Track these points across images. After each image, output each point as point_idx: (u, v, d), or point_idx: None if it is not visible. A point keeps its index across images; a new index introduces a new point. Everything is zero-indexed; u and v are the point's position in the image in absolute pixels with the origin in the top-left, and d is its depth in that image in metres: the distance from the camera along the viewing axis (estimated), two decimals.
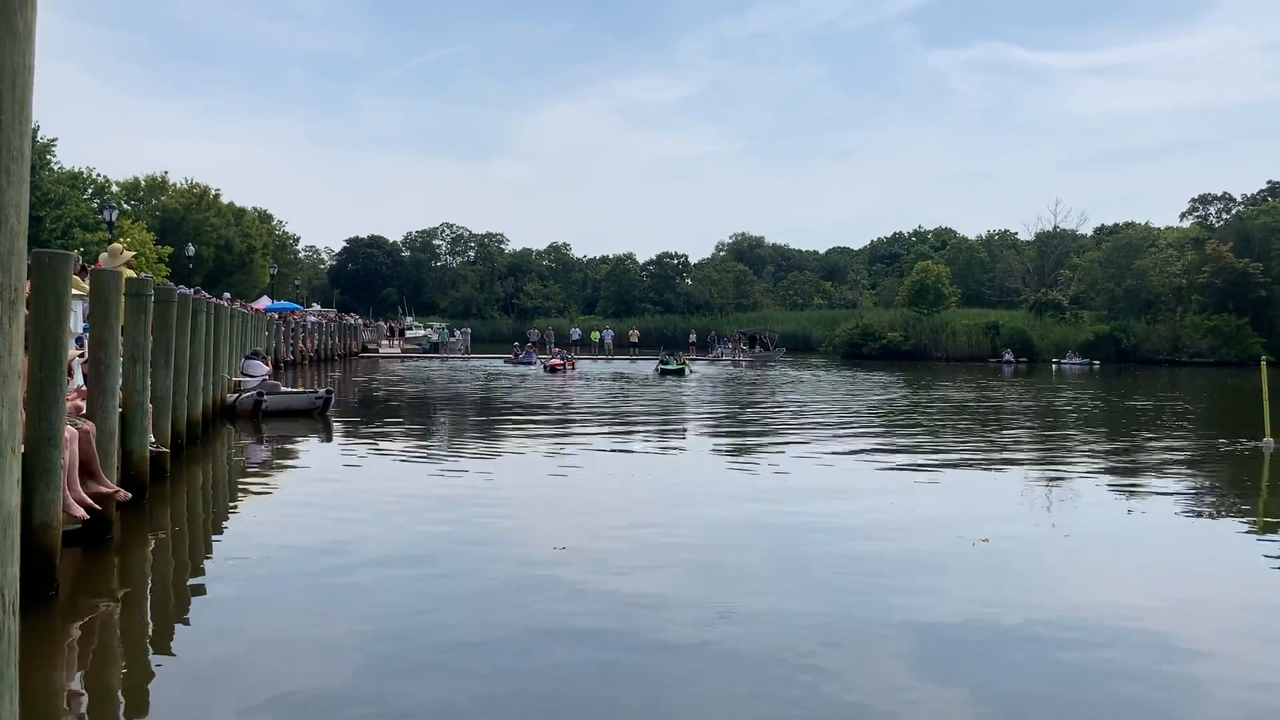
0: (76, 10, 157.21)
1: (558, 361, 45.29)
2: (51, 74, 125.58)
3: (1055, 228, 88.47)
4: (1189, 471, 15.26)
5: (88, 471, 8.88)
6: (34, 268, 7.30)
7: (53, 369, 7.25)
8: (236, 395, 21.15)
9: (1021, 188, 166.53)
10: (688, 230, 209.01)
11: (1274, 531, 10.89)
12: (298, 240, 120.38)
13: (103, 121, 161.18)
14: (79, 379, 10.63)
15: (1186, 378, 49.02)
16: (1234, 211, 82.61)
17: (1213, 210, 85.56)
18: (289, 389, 23.82)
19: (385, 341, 68.65)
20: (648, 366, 48.03)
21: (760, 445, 17.82)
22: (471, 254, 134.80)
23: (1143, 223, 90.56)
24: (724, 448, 17.77)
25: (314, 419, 20.91)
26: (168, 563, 8.94)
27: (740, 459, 16.10)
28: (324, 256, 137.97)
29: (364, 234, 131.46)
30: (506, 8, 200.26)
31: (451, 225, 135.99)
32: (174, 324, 13.41)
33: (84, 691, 5.78)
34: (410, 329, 74.95)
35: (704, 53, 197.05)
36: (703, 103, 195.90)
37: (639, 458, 16.03)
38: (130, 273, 13.63)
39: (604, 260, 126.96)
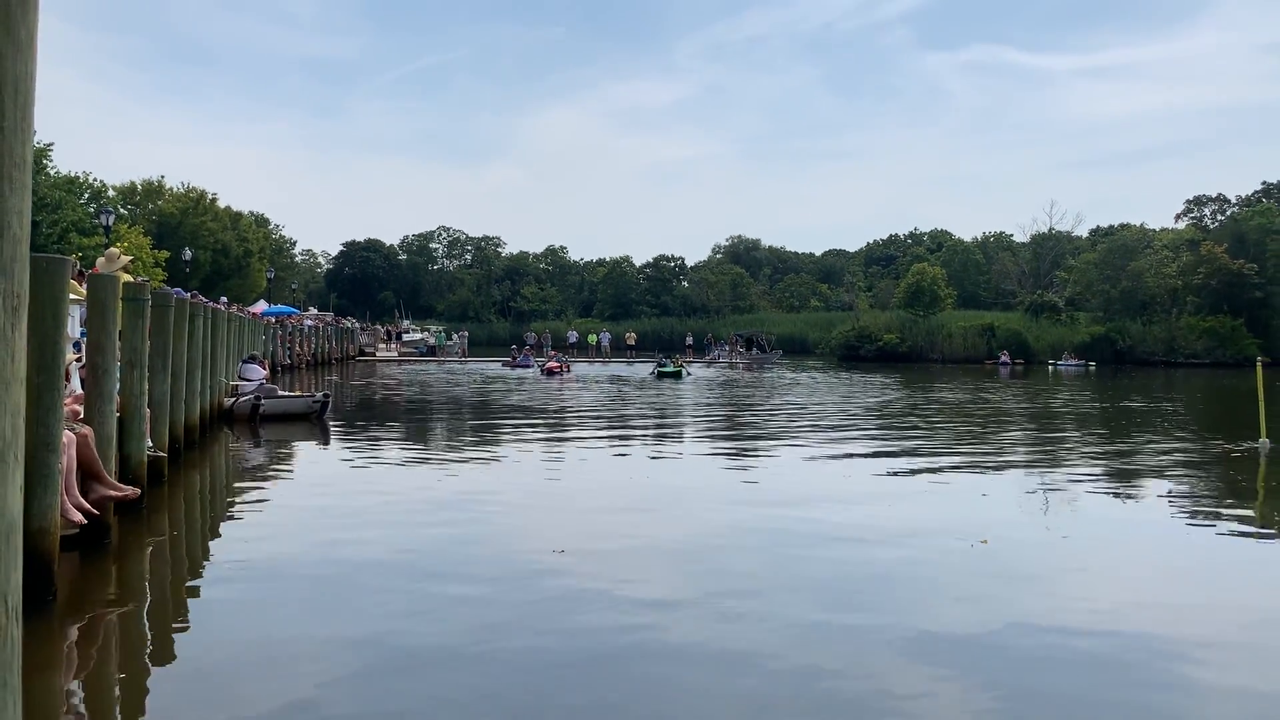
0: (72, 15, 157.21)
1: (555, 365, 45.28)
2: (48, 78, 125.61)
3: (1051, 229, 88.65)
4: (1186, 473, 15.29)
5: (93, 475, 8.88)
6: (30, 272, 7.29)
7: (50, 374, 7.25)
8: (234, 399, 21.13)
9: (1017, 190, 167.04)
10: (684, 233, 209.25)
11: (1271, 532, 10.91)
12: (294, 244, 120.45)
13: (99, 126, 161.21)
14: (76, 384, 10.62)
15: (1182, 379, 49.10)
16: (1229, 213, 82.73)
17: (1207, 212, 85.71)
18: (286, 393, 23.81)
19: (382, 345, 68.60)
20: (645, 369, 48.03)
21: (757, 448, 17.83)
22: (468, 257, 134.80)
23: (1138, 224, 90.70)
24: (721, 450, 17.77)
25: (311, 423, 20.88)
26: (166, 567, 8.93)
27: (738, 461, 16.10)
28: (321, 260, 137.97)
29: (361, 237, 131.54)
30: (502, 12, 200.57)
31: (448, 229, 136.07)
32: (171, 328, 13.40)
33: (83, 697, 5.77)
34: (407, 332, 74.88)
35: (699, 56, 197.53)
36: (699, 106, 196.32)
37: (637, 460, 16.03)
38: (127, 277, 13.63)
39: (601, 263, 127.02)
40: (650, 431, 20.56)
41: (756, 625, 6.86)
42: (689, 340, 71.86)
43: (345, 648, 6.32)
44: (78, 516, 8.28)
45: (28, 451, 7.06)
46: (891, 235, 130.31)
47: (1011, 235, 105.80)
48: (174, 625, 7.01)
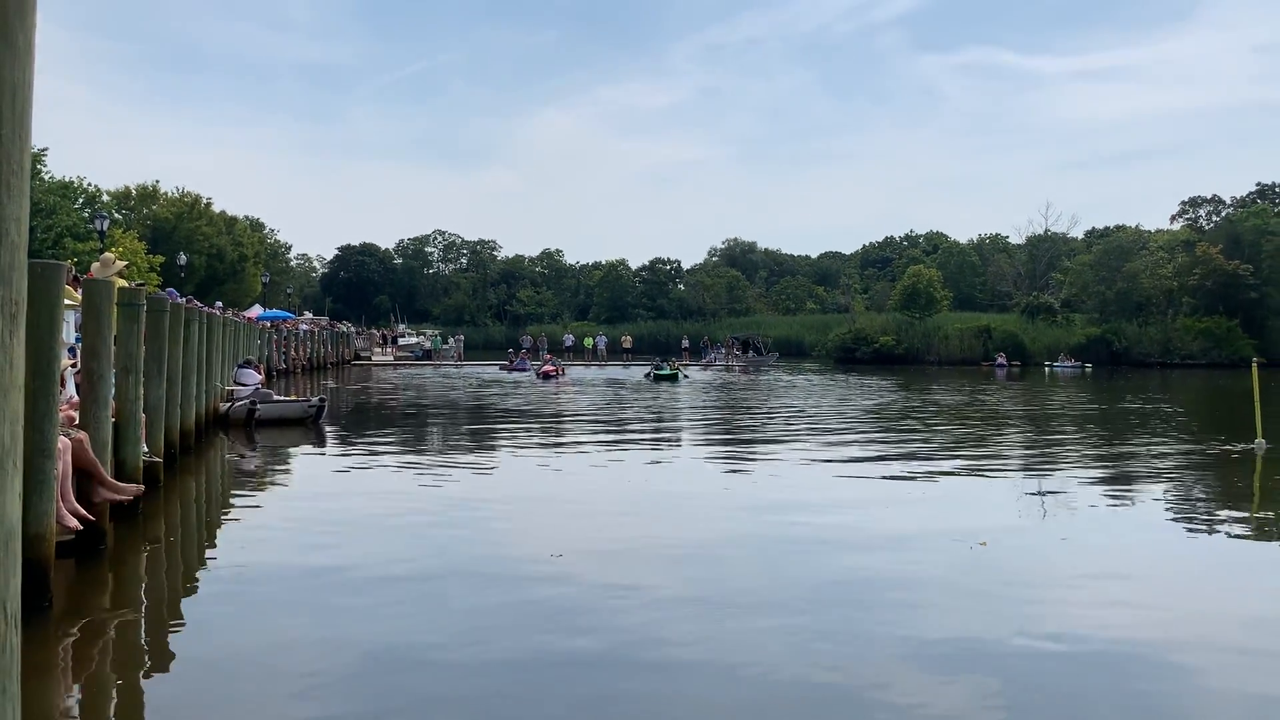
0: (67, 20, 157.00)
1: (551, 368, 45.26)
2: (42, 84, 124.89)
3: (1046, 231, 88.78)
4: (1183, 474, 15.31)
5: (94, 477, 8.86)
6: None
7: (45, 380, 7.23)
8: (229, 404, 21.09)
9: (1012, 191, 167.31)
10: (680, 236, 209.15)
11: (1268, 533, 10.92)
12: (289, 248, 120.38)
13: (93, 131, 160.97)
14: (71, 389, 10.59)
15: (1178, 380, 49.18)
16: (1224, 214, 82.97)
17: (1203, 213, 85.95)
18: (282, 398, 23.77)
19: (378, 349, 68.56)
20: (641, 372, 48.01)
21: (755, 451, 17.82)
22: (464, 261, 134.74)
23: (1133, 225, 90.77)
24: (719, 454, 17.77)
25: (307, 427, 20.86)
26: (162, 573, 8.91)
27: (735, 465, 16.10)
28: (316, 264, 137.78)
29: (356, 242, 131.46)
30: (496, 16, 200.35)
31: (443, 232, 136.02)
32: (166, 333, 13.38)
33: (80, 703, 5.75)
34: (403, 336, 74.84)
35: (694, 59, 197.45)
36: (694, 109, 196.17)
37: (634, 464, 16.01)
38: (122, 282, 13.61)
39: (597, 266, 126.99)
40: (647, 435, 20.55)
41: (754, 628, 6.85)
42: (685, 343, 71.83)
43: (341, 652, 6.30)
44: (73, 523, 8.26)
45: (24, 458, 7.04)
46: (887, 237, 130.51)
47: (1007, 237, 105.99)
48: (170, 631, 6.99)
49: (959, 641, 6.60)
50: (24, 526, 7.06)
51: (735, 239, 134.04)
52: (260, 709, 5.41)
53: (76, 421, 9.51)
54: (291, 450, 17.63)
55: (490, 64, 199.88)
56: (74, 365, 11.05)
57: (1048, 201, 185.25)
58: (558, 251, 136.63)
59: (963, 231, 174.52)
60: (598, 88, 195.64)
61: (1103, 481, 14.31)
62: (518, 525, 10.82)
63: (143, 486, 9.82)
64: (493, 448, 18.40)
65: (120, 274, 14.99)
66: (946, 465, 15.68)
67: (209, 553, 9.60)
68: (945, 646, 6.49)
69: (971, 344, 70.08)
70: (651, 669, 6.08)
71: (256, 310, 50.95)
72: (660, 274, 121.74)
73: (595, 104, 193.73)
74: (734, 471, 15.28)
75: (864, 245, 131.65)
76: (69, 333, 12.56)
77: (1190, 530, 10.95)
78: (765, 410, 27.02)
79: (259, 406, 20.94)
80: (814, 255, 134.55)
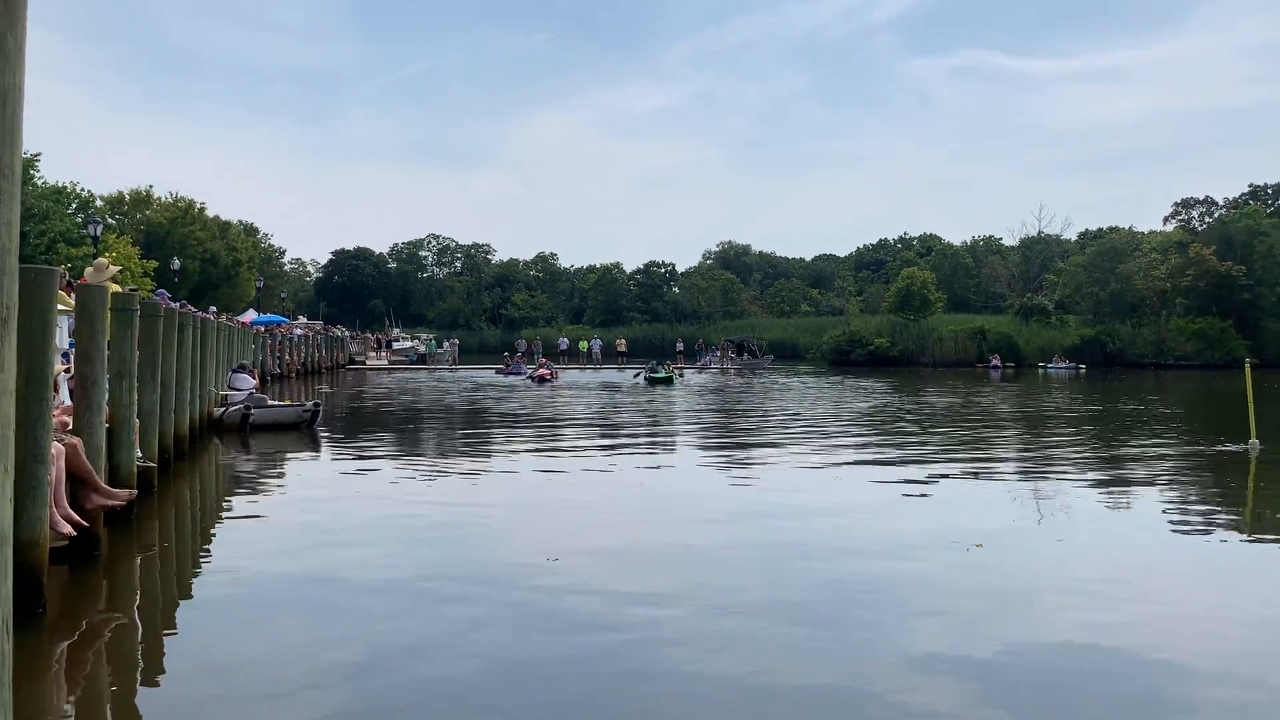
0: (60, 25, 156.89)
1: (545, 372, 45.26)
2: (35, 88, 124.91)
3: (1040, 233, 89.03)
4: (1177, 475, 15.34)
5: (87, 484, 8.83)
6: (18, 283, 7.26)
7: (38, 385, 7.21)
8: (224, 409, 21.05)
9: (1006, 194, 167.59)
10: (675, 239, 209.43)
11: (1262, 533, 10.94)
12: (283, 253, 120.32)
13: (87, 136, 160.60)
14: (65, 395, 10.57)
15: (1172, 380, 49.30)
16: (1216, 215, 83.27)
17: (1195, 214, 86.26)
18: (276, 402, 23.73)
19: (372, 353, 68.50)
20: (634, 375, 47.99)
21: (750, 453, 17.82)
22: (458, 265, 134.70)
23: (1126, 227, 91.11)
24: (714, 456, 17.77)
25: (301, 432, 20.82)
26: (155, 579, 8.88)
27: (730, 467, 16.09)
28: (310, 269, 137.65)
29: (350, 246, 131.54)
30: (490, 19, 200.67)
31: (438, 236, 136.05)
32: (160, 338, 13.35)
33: (72, 709, 5.73)
34: (397, 340, 74.78)
35: (688, 62, 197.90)
36: (688, 112, 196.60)
37: (630, 467, 15.99)
38: (116, 287, 13.58)
39: (591, 270, 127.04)
40: (643, 438, 20.54)
41: (751, 630, 6.85)
42: (680, 346, 71.89)
43: (336, 657, 6.29)
44: (67, 529, 8.23)
45: (16, 463, 7.02)
46: (881, 240, 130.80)
47: (1001, 239, 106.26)
48: (164, 636, 6.97)
49: (955, 643, 6.60)
50: (17, 532, 7.06)
51: (730, 242, 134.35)
52: (256, 714, 5.39)
53: (70, 427, 9.48)
54: (286, 455, 17.59)
55: (484, 67, 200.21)
56: (67, 371, 11.02)
57: (1041, 203, 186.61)
58: (552, 255, 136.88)
59: (956, 233, 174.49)
60: (592, 91, 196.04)
61: (1097, 483, 14.33)
62: (513, 529, 10.81)
63: (135, 492, 9.79)
64: (488, 452, 18.38)
65: (114, 279, 14.95)
66: (942, 467, 15.69)
67: (203, 558, 9.58)
68: (941, 648, 6.49)
69: (966, 346, 70.22)
70: (649, 671, 6.07)
71: (250, 315, 50.96)
72: (655, 277, 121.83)
73: (590, 107, 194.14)
74: (730, 474, 15.28)
75: (858, 248, 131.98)
76: (62, 338, 12.52)
77: (1185, 532, 10.97)
78: (760, 413, 27.02)
79: (253, 411, 20.91)
80: (808, 258, 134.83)
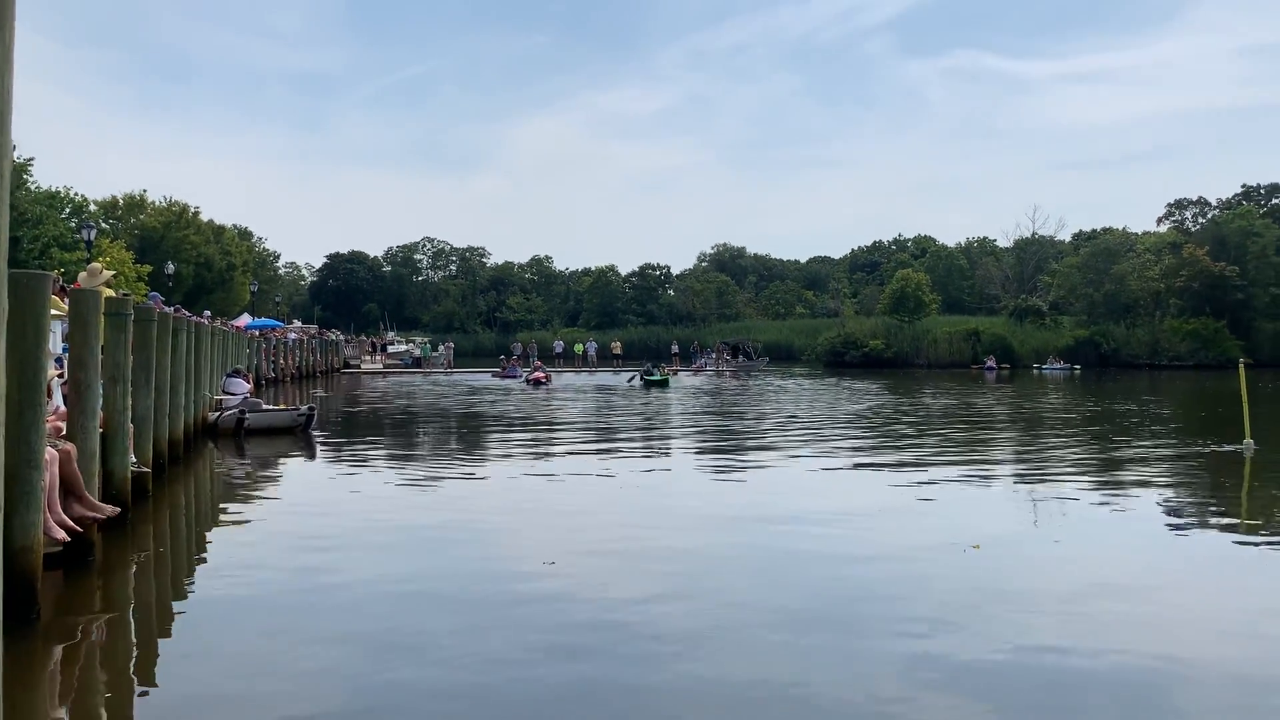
0: (53, 30, 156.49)
1: (541, 375, 45.23)
2: (28, 93, 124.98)
3: (1034, 234, 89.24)
4: (1173, 475, 15.36)
5: (73, 493, 8.79)
6: (11, 288, 7.24)
7: (32, 390, 7.19)
8: (218, 414, 21.02)
9: (1000, 195, 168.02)
10: (669, 241, 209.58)
11: (1258, 533, 10.96)
12: (278, 257, 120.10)
13: (80, 140, 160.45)
14: (58, 400, 10.54)
15: (1166, 381, 49.41)
16: (1209, 216, 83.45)
17: (1189, 215, 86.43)
18: (271, 407, 23.69)
19: (367, 357, 68.40)
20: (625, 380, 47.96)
21: (746, 456, 17.82)
22: (453, 268, 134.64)
23: (1120, 228, 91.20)
24: (710, 459, 17.76)
25: (296, 436, 20.79)
26: (150, 584, 8.85)
27: (726, 470, 16.09)
28: (304, 273, 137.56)
29: (344, 249, 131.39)
30: (484, 22, 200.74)
31: (432, 239, 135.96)
32: (154, 343, 13.32)
33: (67, 716, 5.70)
34: (392, 344, 74.67)
35: (682, 65, 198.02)
36: (681, 114, 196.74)
37: (625, 470, 15.98)
38: (109, 292, 13.55)
39: (586, 272, 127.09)
40: (638, 441, 20.53)
41: (747, 633, 6.84)
42: (675, 348, 71.92)
43: (332, 662, 6.27)
44: (61, 534, 8.20)
45: (10, 469, 7.00)
46: (876, 242, 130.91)
47: (995, 240, 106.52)
48: (159, 642, 6.94)
49: (952, 645, 6.59)
50: (11, 538, 7.05)
51: (724, 244, 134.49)
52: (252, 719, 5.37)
53: (64, 432, 9.45)
54: (281, 459, 17.56)
55: (479, 70, 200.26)
56: (61, 376, 10.99)
57: (1035, 205, 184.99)
58: (547, 258, 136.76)
59: (951, 235, 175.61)
60: (586, 93, 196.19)
61: (1094, 484, 14.34)
62: (510, 532, 10.79)
63: (118, 509, 9.69)
64: (483, 455, 18.36)
65: (107, 284, 14.92)
66: (938, 469, 15.70)
67: (198, 563, 9.55)
68: (939, 650, 6.48)
69: (960, 347, 70.32)
70: (645, 675, 6.06)
71: (245, 319, 50.88)
72: (650, 279, 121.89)
73: (584, 110, 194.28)
74: (726, 476, 15.26)
75: (853, 249, 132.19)
76: (55, 343, 12.49)
77: (1181, 533, 10.99)
78: (756, 415, 27.02)
79: (248, 416, 20.87)
80: (803, 260, 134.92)
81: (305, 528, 10.99)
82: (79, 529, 8.60)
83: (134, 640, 7.09)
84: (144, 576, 9.05)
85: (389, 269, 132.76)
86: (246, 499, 13.40)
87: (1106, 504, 12.75)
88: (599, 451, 18.43)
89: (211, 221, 78.68)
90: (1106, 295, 72.56)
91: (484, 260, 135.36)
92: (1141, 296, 72.07)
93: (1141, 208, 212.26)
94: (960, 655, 6.38)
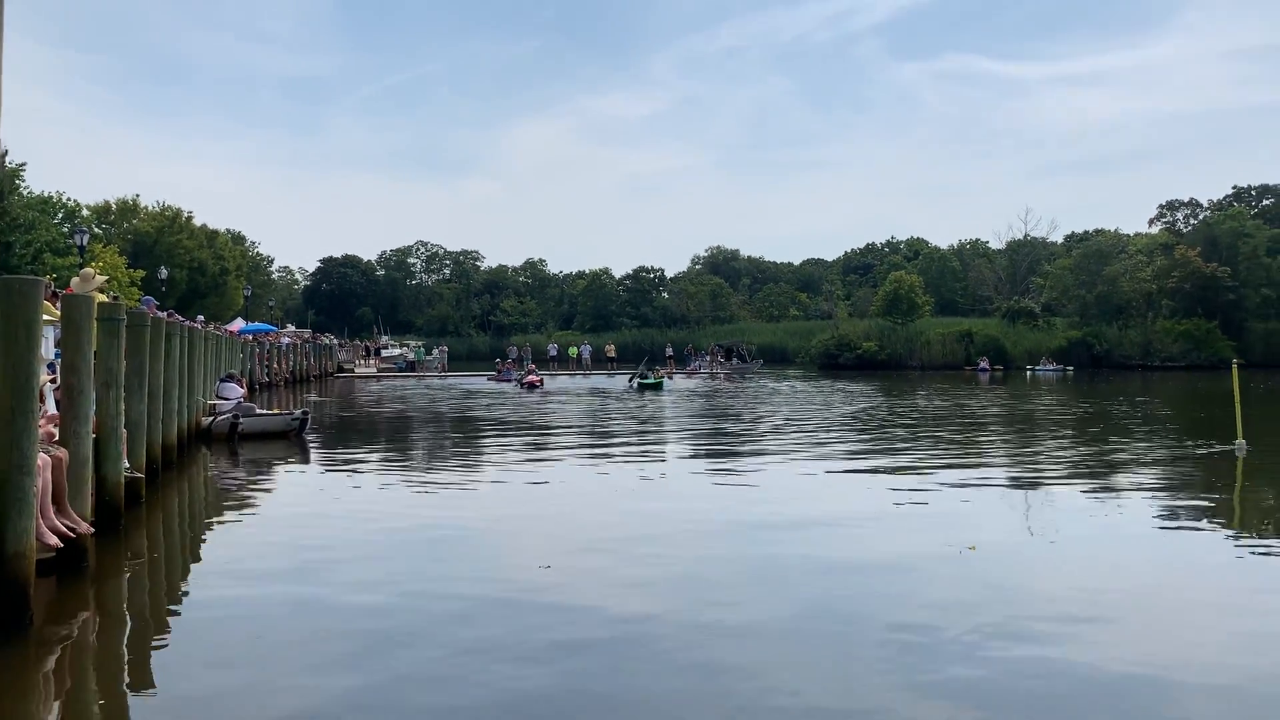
0: (46, 35, 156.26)
1: (535, 378, 45.20)
2: (20, 98, 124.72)
3: (1026, 236, 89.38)
4: (1167, 475, 15.39)
5: (55, 502, 8.74)
6: (3, 294, 7.22)
7: (24, 396, 7.16)
8: (212, 418, 20.97)
9: (992, 197, 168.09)
10: (663, 244, 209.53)
11: (1252, 533, 10.99)
12: (271, 261, 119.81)
13: (73, 145, 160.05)
14: (51, 405, 10.50)
15: (1159, 382, 49.54)
16: (1201, 217, 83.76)
17: (1180, 216, 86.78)
18: (264, 411, 23.65)
19: (361, 361, 68.31)
20: (624, 380, 47.94)
21: (741, 458, 17.82)
22: (447, 272, 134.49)
23: (1112, 229, 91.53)
24: (705, 462, 17.75)
25: (290, 441, 20.74)
26: (144, 590, 8.82)
27: (721, 472, 16.09)
28: (298, 277, 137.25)
29: (338, 254, 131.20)
30: (477, 27, 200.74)
31: (426, 243, 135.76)
32: (147, 348, 13.28)
33: None
34: (386, 348, 74.57)
35: (675, 69, 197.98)
36: (674, 118, 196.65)
37: (621, 474, 15.97)
38: (102, 297, 13.52)
39: (580, 276, 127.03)
40: (633, 444, 20.51)
41: (743, 637, 6.83)
42: (669, 351, 71.91)
43: (327, 668, 6.25)
44: (54, 540, 8.17)
45: (2, 475, 6.97)
46: (869, 244, 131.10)
47: (987, 242, 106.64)
48: (153, 649, 6.92)
49: (949, 647, 6.60)
50: (3, 544, 7.03)
51: (718, 247, 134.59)
52: None
53: (56, 438, 9.42)
54: (274, 464, 17.52)
55: (472, 75, 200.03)
56: (53, 381, 10.95)
57: (1027, 206, 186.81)
58: (541, 261, 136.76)
59: (943, 237, 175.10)
60: (579, 97, 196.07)
61: (1089, 484, 14.37)
62: (505, 536, 10.78)
63: (92, 530, 9.52)
64: (478, 459, 18.34)
65: (100, 289, 14.88)
66: (933, 470, 15.72)
67: (192, 569, 9.52)
68: (935, 652, 6.49)
69: (953, 348, 70.43)
70: (642, 678, 6.05)
71: (238, 324, 50.72)
72: (644, 282, 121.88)
73: (577, 114, 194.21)
74: (721, 478, 15.26)
75: (846, 252, 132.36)
76: (48, 349, 12.46)
77: (1177, 532, 11.02)
78: (750, 418, 27.03)
79: (241, 420, 20.83)
80: (796, 262, 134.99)
81: (299, 533, 10.97)
82: (72, 535, 8.57)
83: (127, 647, 7.07)
84: (138, 582, 9.02)
85: (383, 273, 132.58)
86: (240, 504, 13.37)
87: (1102, 504, 12.77)
88: (594, 455, 18.42)
89: (205, 226, 78.49)
90: (1099, 296, 72.75)
91: (478, 264, 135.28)
92: (1133, 298, 72.27)
93: (1133, 209, 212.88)
94: (958, 657, 6.38)
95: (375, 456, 18.95)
